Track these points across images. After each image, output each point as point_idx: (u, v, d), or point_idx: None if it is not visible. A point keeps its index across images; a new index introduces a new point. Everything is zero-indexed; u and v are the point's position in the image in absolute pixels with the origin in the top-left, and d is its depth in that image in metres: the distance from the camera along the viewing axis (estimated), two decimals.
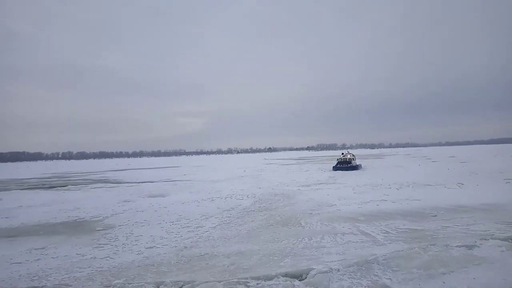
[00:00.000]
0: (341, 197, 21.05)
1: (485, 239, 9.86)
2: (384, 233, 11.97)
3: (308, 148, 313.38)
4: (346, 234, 12.02)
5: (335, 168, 47.93)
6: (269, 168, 60.98)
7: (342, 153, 56.56)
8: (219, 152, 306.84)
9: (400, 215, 15.15)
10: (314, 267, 7.72)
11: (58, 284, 7.68)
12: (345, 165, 48.32)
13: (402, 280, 7.08)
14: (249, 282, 7.08)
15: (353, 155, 53.64)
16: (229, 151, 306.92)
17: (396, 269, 7.75)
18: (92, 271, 8.93)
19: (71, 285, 7.61)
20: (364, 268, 7.75)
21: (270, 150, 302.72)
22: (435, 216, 14.61)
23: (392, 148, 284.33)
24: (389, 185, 25.95)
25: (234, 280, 7.22)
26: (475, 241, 9.62)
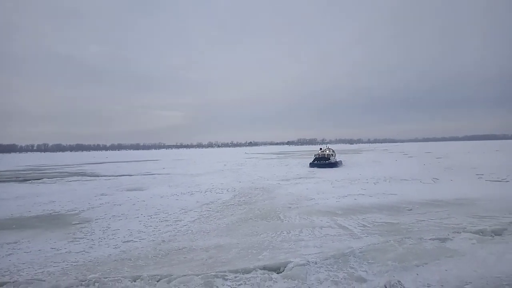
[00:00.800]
0: (320, 191, 21.27)
1: (457, 232, 10.17)
2: (361, 226, 12.17)
3: (288, 143, 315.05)
4: (324, 227, 12.16)
5: (312, 165, 43.49)
6: (250, 162, 61.00)
7: (320, 148, 52.60)
8: (200, 146, 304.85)
9: (376, 209, 15.43)
10: (291, 260, 7.77)
11: (30, 279, 7.45)
12: (323, 161, 44.04)
13: (377, 272, 7.22)
14: (227, 276, 7.07)
15: (332, 151, 50.19)
16: (210, 145, 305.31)
17: (372, 261, 7.90)
18: (67, 266, 8.75)
19: (44, 280, 7.40)
20: (340, 261, 7.86)
21: (251, 144, 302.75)
22: (411, 210, 14.94)
23: (370, 144, 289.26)
24: (367, 179, 26.39)
25: (212, 273, 7.19)
26: (448, 234, 9.90)
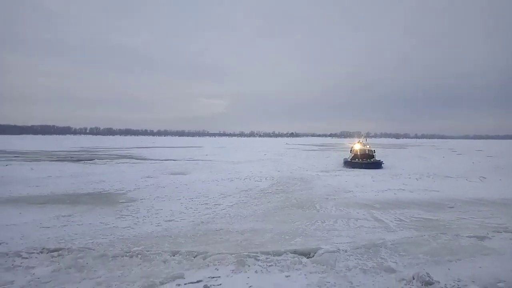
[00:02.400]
0: (359, 184, 21.09)
1: (498, 232, 9.85)
2: (397, 220, 12.07)
3: (331, 135, 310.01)
4: (360, 219, 12.18)
5: (350, 164, 33.76)
6: (290, 152, 61.07)
7: (359, 141, 39.19)
8: (242, 134, 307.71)
9: (416, 204, 15.14)
10: (322, 247, 7.99)
11: (82, 248, 8.26)
12: (365, 159, 33.77)
13: (407, 264, 7.27)
14: (258, 256, 7.44)
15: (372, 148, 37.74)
16: (252, 134, 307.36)
17: (403, 254, 7.93)
18: (113, 239, 9.51)
19: (93, 249, 8.19)
20: (371, 251, 7.96)
21: (292, 135, 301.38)
22: (452, 207, 14.54)
23: (417, 139, 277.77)
24: (409, 175, 25.71)
25: (245, 253, 7.59)
26: (487, 233, 9.63)
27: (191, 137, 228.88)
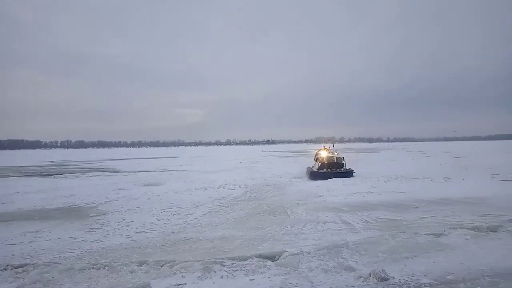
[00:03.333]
0: (330, 188, 21.58)
1: (453, 228, 10.43)
2: (363, 222, 12.52)
3: (306, 141, 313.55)
4: (328, 222, 12.55)
5: (316, 175, 28.08)
6: (265, 160, 61.55)
7: (325, 147, 34.91)
8: (218, 143, 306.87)
9: (383, 206, 15.68)
10: (287, 250, 8.29)
11: (48, 262, 8.25)
12: (334, 169, 29.51)
13: (367, 263, 7.65)
14: (224, 262, 7.66)
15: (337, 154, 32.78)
16: (228, 143, 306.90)
17: (364, 253, 8.33)
18: (81, 252, 9.49)
19: (60, 263, 8.17)
20: (333, 252, 8.32)
21: (268, 142, 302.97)
22: (417, 207, 15.14)
23: (390, 143, 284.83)
24: (378, 178, 26.48)
25: (211, 260, 7.79)
26: (444, 230, 10.19)
27: (166, 148, 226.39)
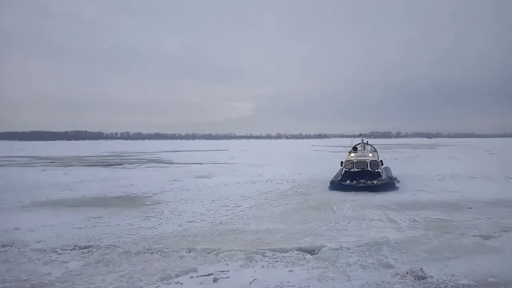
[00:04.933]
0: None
1: (505, 231, 10.04)
2: (410, 221, 12.35)
3: (360, 135, 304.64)
4: (373, 220, 12.54)
5: (336, 187, 19.92)
6: (315, 154, 61.21)
7: (355, 149, 24.01)
8: (268, 137, 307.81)
9: (434, 205, 15.25)
10: (327, 245, 8.55)
11: (109, 245, 9.26)
12: (365, 179, 20.53)
13: (406, 261, 7.71)
14: (266, 253, 8.12)
15: (374, 151, 24.26)
16: (278, 136, 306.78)
17: (404, 251, 8.37)
18: (137, 238, 10.44)
19: (119, 247, 9.12)
20: (373, 249, 8.44)
21: (320, 136, 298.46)
22: (470, 208, 14.59)
23: (452, 138, 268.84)
24: (432, 176, 25.52)
25: (254, 250, 8.27)
26: (494, 232, 9.86)
27: (218, 140, 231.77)
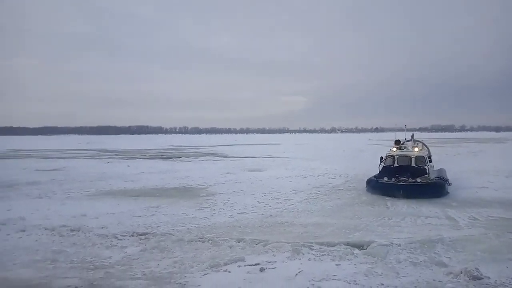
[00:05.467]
0: None
1: None
2: (470, 219, 11.65)
3: (420, 129, 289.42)
4: (430, 217, 11.99)
5: (372, 186, 16.93)
6: (371, 149, 59.24)
7: (399, 144, 19.73)
8: (322, 131, 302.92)
9: (498, 203, 14.24)
10: (376, 240, 8.39)
11: (164, 233, 9.87)
12: (406, 177, 16.10)
13: (462, 260, 7.34)
14: (313, 246, 8.15)
15: (422, 147, 20.56)
16: (333, 130, 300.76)
17: (460, 250, 7.97)
18: (191, 227, 10.95)
19: (173, 235, 9.68)
20: (426, 246, 8.14)
21: (377, 130, 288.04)
22: None
23: None
24: (498, 172, 23.75)
25: (301, 243, 8.35)
26: None
27: (272, 134, 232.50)
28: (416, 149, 18.74)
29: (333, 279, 6.49)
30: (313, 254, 7.79)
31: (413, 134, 23.01)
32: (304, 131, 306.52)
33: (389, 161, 18.26)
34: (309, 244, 8.28)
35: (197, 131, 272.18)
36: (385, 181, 16.30)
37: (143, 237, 9.59)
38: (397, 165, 17.64)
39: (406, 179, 15.98)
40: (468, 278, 6.28)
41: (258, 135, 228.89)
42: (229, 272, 7.00)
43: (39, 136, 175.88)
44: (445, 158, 36.00)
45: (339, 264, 7.28)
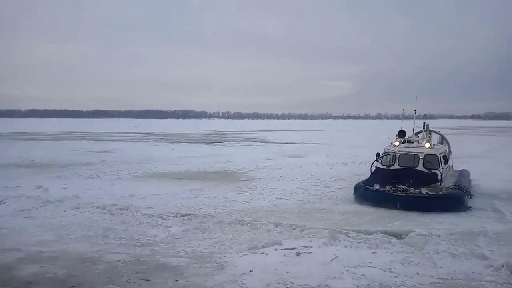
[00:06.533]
0: (488, 172, 19.22)
1: None
2: None
3: (472, 117, 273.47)
4: (475, 209, 11.52)
5: (360, 194, 12.39)
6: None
7: (403, 136, 14.64)
8: (367, 117, 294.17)
9: None
10: (415, 230, 8.31)
11: (206, 215, 10.38)
12: (407, 185, 11.81)
13: (505, 254, 7.12)
14: (350, 233, 8.23)
15: (441, 142, 16.52)
16: (378, 116, 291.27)
17: (504, 244, 7.73)
18: (231, 210, 11.39)
19: (214, 217, 10.14)
20: (467, 238, 7.95)
21: (425, 117, 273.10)
22: None
23: None
24: None
25: (338, 230, 8.45)
26: None
27: (313, 120, 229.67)
28: (427, 145, 13.54)
29: (368, 266, 6.57)
30: (350, 241, 7.88)
31: (425, 122, 17.20)
32: (348, 117, 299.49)
33: (387, 160, 13.78)
34: (346, 231, 8.35)
35: (240, 116, 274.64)
36: (376, 190, 12.01)
37: (186, 217, 10.13)
38: (398, 167, 13.17)
39: (406, 188, 11.77)
40: (509, 272, 6.13)
41: (300, 120, 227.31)
42: (266, 254, 7.28)
43: (91, 119, 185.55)
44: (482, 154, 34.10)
45: (375, 252, 7.33)
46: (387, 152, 14.02)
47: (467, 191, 12.38)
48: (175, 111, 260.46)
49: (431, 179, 12.53)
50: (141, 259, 7.09)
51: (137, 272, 6.37)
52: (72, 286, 5.87)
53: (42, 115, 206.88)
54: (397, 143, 14.09)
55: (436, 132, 17.19)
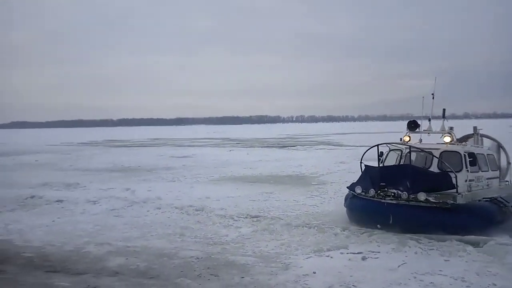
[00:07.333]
0: None
1: None
2: None
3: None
4: None
5: (350, 205, 10.37)
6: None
7: (415, 128, 11.40)
8: (453, 117, 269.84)
9: None
10: (495, 238, 7.73)
11: (274, 217, 10.82)
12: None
13: None
14: (421, 240, 7.92)
15: (499, 148, 12.39)
16: (466, 116, 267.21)
17: None
18: (300, 213, 11.62)
19: (282, 219, 10.51)
20: None
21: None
22: None
23: None
24: None
25: (408, 236, 8.17)
26: None
27: (393, 122, 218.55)
28: (447, 139, 10.32)
29: (438, 274, 6.27)
30: (420, 248, 7.58)
31: (479, 129, 12.96)
32: (432, 117, 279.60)
33: (393, 159, 11.21)
34: (417, 237, 8.06)
35: (313, 119, 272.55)
36: (366, 196, 9.57)
37: (255, 219, 10.63)
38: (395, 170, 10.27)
39: (399, 193, 9.02)
40: None
41: (378, 122, 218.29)
42: (331, 257, 7.32)
43: (173, 126, 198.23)
44: None
45: (448, 260, 6.96)
46: (393, 148, 11.29)
47: (504, 206, 9.22)
48: (250, 116, 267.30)
49: (439, 182, 8.93)
50: (212, 256, 7.61)
51: (208, 268, 6.87)
52: (151, 277, 6.55)
53: (131, 124, 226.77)
54: (407, 138, 10.80)
55: (491, 138, 13.10)
